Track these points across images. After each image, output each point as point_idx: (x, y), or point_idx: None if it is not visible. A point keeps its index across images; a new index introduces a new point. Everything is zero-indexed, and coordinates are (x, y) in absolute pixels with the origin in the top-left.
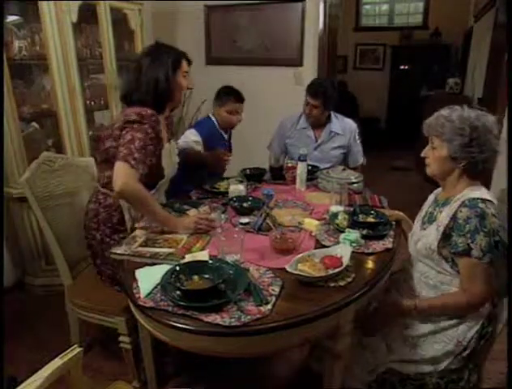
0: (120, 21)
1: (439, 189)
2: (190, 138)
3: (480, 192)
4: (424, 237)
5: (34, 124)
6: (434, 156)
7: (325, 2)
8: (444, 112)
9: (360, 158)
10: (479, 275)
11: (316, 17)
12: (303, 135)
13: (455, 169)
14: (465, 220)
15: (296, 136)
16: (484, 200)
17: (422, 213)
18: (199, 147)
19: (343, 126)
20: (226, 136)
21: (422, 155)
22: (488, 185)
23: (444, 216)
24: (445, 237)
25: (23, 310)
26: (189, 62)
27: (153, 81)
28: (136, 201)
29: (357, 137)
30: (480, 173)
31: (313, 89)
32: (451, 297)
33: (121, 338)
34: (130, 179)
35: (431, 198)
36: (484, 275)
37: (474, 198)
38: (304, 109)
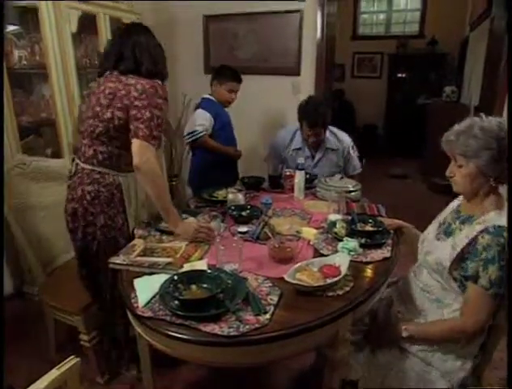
0: None
1: (461, 196)
2: (204, 120)
3: (506, 218)
4: (437, 250)
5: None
6: (462, 174)
7: (322, 12)
8: (463, 127)
9: (357, 167)
10: (480, 305)
11: (314, 26)
12: (299, 156)
13: (485, 185)
14: (484, 248)
15: (293, 156)
16: (503, 229)
17: (440, 219)
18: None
19: (338, 142)
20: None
21: (447, 174)
22: None
23: (463, 237)
24: (461, 259)
25: (22, 319)
26: None
27: (160, 56)
28: (152, 179)
29: (352, 150)
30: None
31: (312, 120)
32: (448, 322)
33: (81, 336)
34: (151, 157)
35: (453, 205)
36: (486, 306)
37: (500, 226)
38: (302, 133)
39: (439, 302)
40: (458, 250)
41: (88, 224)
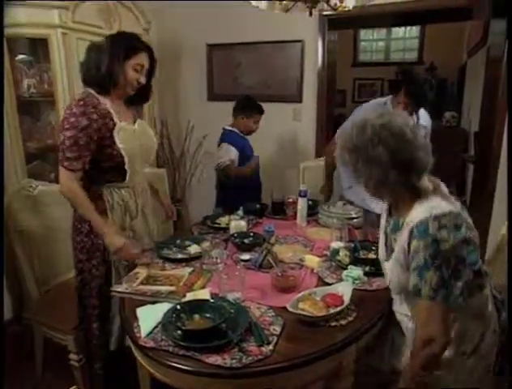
0: None
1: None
2: (230, 154)
3: (429, 206)
4: (389, 271)
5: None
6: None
7: (323, 40)
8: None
9: None
10: (432, 317)
11: (315, 54)
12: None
13: (393, 191)
14: (412, 257)
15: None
16: (437, 217)
17: (381, 235)
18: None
19: None
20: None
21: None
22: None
23: (398, 249)
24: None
25: (21, 345)
26: (153, 59)
27: (98, 62)
28: (73, 202)
29: None
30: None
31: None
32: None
33: (70, 356)
34: (65, 181)
35: (383, 215)
36: (440, 315)
37: (422, 221)
38: None
39: None
40: (401, 263)
41: (77, 232)
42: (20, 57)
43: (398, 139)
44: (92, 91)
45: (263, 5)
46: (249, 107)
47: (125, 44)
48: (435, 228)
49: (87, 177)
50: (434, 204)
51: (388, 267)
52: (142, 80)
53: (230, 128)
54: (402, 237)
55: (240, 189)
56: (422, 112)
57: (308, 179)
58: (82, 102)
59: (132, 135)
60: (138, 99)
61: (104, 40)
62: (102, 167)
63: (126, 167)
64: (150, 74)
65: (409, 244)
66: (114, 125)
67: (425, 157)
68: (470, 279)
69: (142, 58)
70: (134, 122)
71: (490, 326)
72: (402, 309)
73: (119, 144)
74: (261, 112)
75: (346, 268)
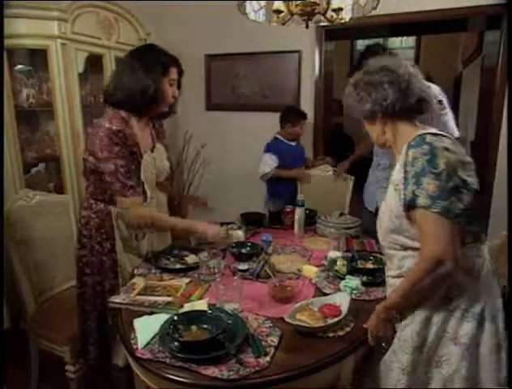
0: None
1: None
2: (270, 162)
3: (429, 129)
4: (386, 209)
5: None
6: (370, 132)
7: (320, 50)
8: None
9: None
10: (429, 229)
11: (312, 64)
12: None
13: (383, 124)
14: (411, 163)
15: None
16: (434, 134)
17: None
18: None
19: None
20: (294, 143)
21: (377, 143)
22: None
23: (396, 171)
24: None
25: (19, 355)
26: (181, 71)
27: (134, 83)
28: (153, 226)
29: None
30: (410, 114)
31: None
32: (414, 267)
33: (66, 367)
34: (136, 209)
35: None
36: (437, 227)
37: (420, 135)
38: None
39: None
40: (400, 185)
41: (82, 246)
42: (19, 67)
43: (395, 70)
44: (124, 114)
45: (261, 18)
46: (292, 116)
47: (160, 61)
48: (433, 139)
49: (99, 193)
50: (433, 129)
51: (385, 203)
52: (177, 94)
53: (277, 136)
54: (401, 157)
55: (286, 184)
56: None
57: (305, 189)
58: (122, 134)
59: (152, 164)
60: (165, 113)
61: (130, 58)
62: None
63: (147, 190)
64: (178, 85)
65: (405, 164)
66: (141, 157)
67: (422, 86)
68: (470, 204)
69: (175, 72)
70: (153, 148)
71: (488, 300)
72: (391, 272)
73: (142, 174)
74: (304, 117)
75: (343, 278)
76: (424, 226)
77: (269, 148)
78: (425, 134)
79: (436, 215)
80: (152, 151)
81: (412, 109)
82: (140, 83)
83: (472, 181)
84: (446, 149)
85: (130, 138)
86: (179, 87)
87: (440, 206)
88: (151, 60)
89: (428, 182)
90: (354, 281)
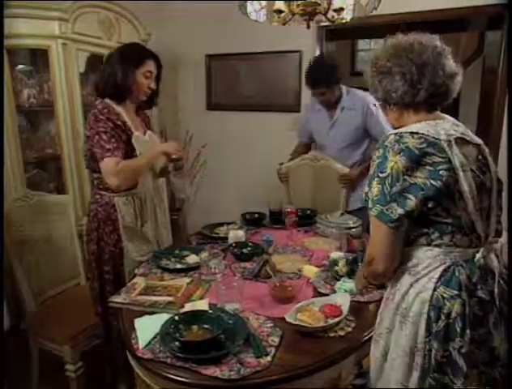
0: None
1: None
2: None
3: (410, 125)
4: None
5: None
6: (388, 117)
7: (321, 50)
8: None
9: (385, 127)
10: (371, 230)
11: None
12: (320, 117)
13: (396, 112)
14: (372, 165)
15: (315, 119)
16: (398, 134)
17: None
18: None
19: (354, 100)
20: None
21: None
22: None
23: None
24: None
25: (19, 356)
26: (159, 65)
27: (112, 74)
28: (132, 177)
29: (374, 108)
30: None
31: (311, 80)
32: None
33: (67, 366)
34: (113, 168)
35: None
36: (374, 230)
37: (388, 135)
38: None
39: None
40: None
41: (89, 239)
42: (20, 67)
43: (412, 57)
44: (109, 102)
45: (262, 18)
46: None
47: (134, 54)
48: (394, 139)
49: (101, 183)
50: (417, 125)
51: None
52: (153, 85)
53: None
54: None
55: None
56: (354, 90)
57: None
58: (106, 110)
59: (145, 145)
60: (146, 104)
61: (113, 53)
62: None
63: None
64: (157, 79)
65: None
66: (131, 133)
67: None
68: (416, 210)
69: (151, 65)
70: (144, 133)
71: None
72: None
73: (137, 151)
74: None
75: (339, 280)
76: (372, 229)
77: None
78: (392, 135)
79: (374, 218)
80: (144, 134)
81: (425, 102)
82: (116, 74)
83: (427, 185)
84: (401, 151)
85: (113, 113)
86: (157, 81)
87: (377, 210)
88: (127, 53)
89: (374, 186)
90: (348, 283)
